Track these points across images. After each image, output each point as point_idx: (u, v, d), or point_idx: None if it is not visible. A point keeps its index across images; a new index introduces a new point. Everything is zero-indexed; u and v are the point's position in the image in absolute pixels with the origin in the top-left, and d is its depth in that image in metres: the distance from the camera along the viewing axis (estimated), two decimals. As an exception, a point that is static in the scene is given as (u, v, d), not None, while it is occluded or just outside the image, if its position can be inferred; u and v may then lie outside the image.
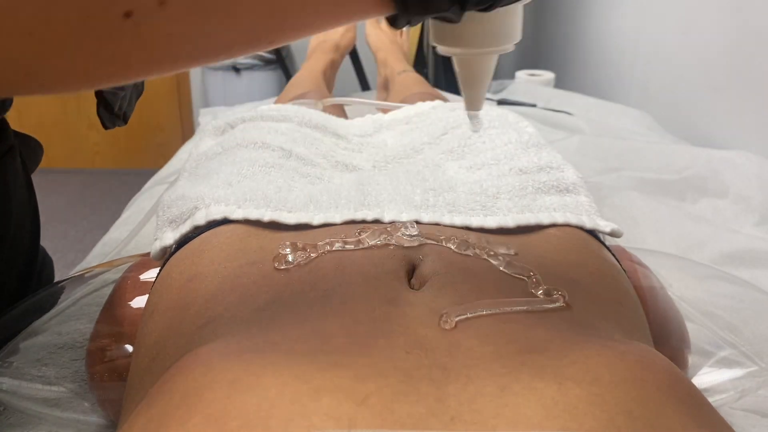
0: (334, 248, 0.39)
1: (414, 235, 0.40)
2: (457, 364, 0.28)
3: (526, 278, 0.37)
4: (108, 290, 0.65)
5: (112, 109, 0.52)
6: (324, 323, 0.31)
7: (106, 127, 0.53)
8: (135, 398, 0.36)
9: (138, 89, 0.55)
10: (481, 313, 0.32)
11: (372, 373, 0.26)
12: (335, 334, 0.30)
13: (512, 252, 0.40)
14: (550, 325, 0.33)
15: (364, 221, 0.44)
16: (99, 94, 0.51)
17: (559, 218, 0.46)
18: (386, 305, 0.33)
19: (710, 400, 0.49)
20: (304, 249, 0.38)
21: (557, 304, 0.35)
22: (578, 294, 0.37)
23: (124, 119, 0.54)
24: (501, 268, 0.38)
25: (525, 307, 0.34)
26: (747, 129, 1.14)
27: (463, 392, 0.26)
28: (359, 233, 0.40)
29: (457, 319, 0.31)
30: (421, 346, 0.29)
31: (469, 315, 0.32)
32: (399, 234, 0.40)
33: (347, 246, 0.39)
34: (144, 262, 0.55)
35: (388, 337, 0.30)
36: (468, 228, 0.44)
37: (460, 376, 0.27)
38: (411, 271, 0.38)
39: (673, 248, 0.80)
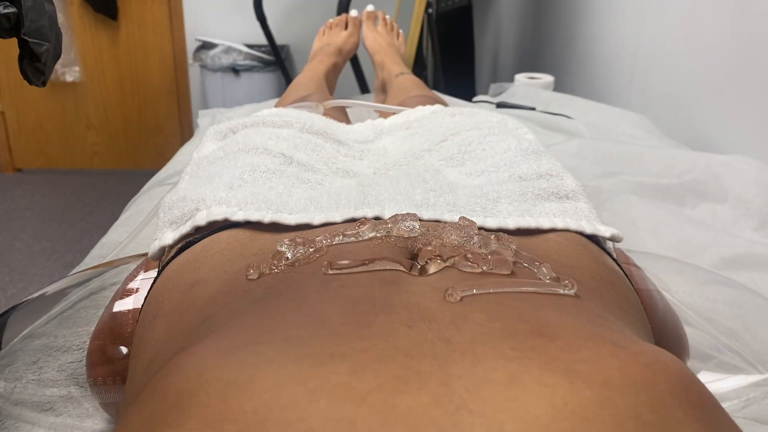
0: (333, 242, 0.39)
1: (414, 228, 0.39)
2: (463, 339, 0.27)
3: (534, 269, 0.36)
4: (107, 293, 0.65)
5: (38, 59, 0.50)
6: (321, 306, 0.31)
7: (30, 82, 0.51)
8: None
9: (56, 51, 0.53)
10: (488, 291, 0.31)
11: (371, 361, 0.25)
12: (332, 316, 0.29)
13: (513, 247, 0.40)
14: (560, 308, 0.31)
15: (364, 218, 0.44)
16: (24, 45, 0.49)
17: (559, 223, 0.46)
18: (387, 285, 0.32)
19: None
20: (303, 244, 0.38)
21: (567, 290, 0.34)
22: (581, 293, 0.36)
23: (44, 82, 0.53)
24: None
25: (534, 289, 0.33)
26: (746, 133, 1.14)
27: (470, 374, 0.25)
28: (359, 226, 0.40)
29: (463, 294, 0.30)
30: (424, 318, 0.28)
31: (475, 291, 0.31)
32: (399, 226, 0.39)
33: (347, 239, 0.39)
34: (149, 263, 0.55)
35: (389, 313, 0.29)
36: None
37: (466, 353, 0.26)
38: (413, 259, 0.37)
39: (673, 253, 0.80)
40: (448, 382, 0.24)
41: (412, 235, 0.39)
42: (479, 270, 0.34)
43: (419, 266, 0.35)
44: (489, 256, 0.35)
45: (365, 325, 0.28)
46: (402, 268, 0.35)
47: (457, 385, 0.24)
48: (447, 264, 0.35)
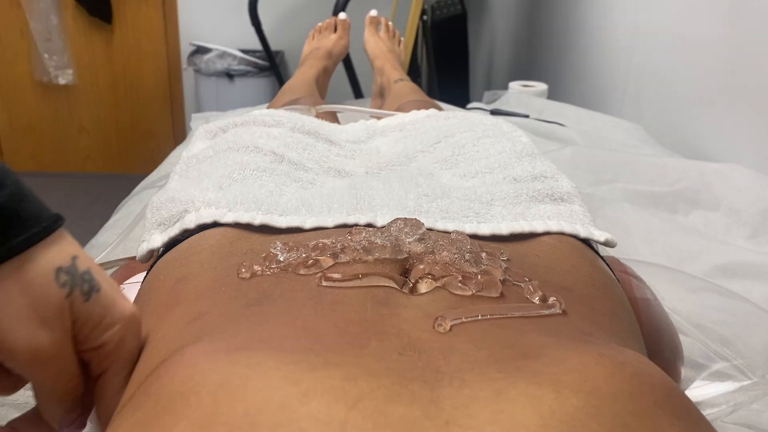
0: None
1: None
2: (451, 368, 0.27)
3: (522, 285, 0.36)
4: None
5: None
6: (315, 322, 0.31)
7: None
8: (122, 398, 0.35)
9: None
10: (476, 317, 0.32)
11: (364, 373, 0.26)
12: (326, 333, 0.29)
13: (505, 258, 0.40)
14: (546, 330, 0.32)
15: (356, 225, 0.44)
16: None
17: (553, 226, 0.46)
18: (379, 307, 0.32)
19: (703, 413, 0.48)
20: (296, 249, 0.38)
21: (553, 310, 0.34)
22: (572, 302, 0.36)
23: None
24: None
25: (521, 313, 0.33)
26: (739, 142, 1.15)
27: (457, 395, 0.25)
28: (350, 237, 0.40)
29: (452, 323, 0.31)
30: (414, 348, 0.29)
31: (464, 319, 0.31)
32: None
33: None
34: (132, 265, 0.54)
35: (381, 338, 0.29)
36: None
37: (454, 380, 0.26)
38: (404, 275, 0.38)
39: (666, 260, 0.80)
40: (437, 401, 0.25)
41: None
42: (469, 293, 0.35)
43: (411, 284, 0.35)
44: (479, 276, 0.36)
45: (358, 346, 0.28)
46: (394, 285, 0.35)
47: (446, 404, 0.25)
48: (438, 284, 0.35)
